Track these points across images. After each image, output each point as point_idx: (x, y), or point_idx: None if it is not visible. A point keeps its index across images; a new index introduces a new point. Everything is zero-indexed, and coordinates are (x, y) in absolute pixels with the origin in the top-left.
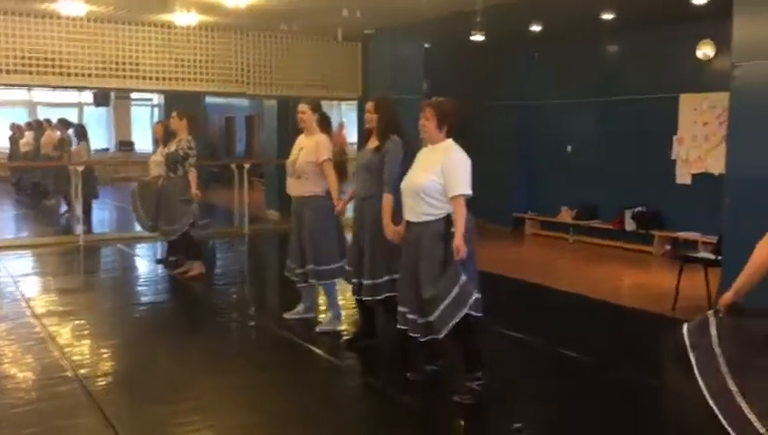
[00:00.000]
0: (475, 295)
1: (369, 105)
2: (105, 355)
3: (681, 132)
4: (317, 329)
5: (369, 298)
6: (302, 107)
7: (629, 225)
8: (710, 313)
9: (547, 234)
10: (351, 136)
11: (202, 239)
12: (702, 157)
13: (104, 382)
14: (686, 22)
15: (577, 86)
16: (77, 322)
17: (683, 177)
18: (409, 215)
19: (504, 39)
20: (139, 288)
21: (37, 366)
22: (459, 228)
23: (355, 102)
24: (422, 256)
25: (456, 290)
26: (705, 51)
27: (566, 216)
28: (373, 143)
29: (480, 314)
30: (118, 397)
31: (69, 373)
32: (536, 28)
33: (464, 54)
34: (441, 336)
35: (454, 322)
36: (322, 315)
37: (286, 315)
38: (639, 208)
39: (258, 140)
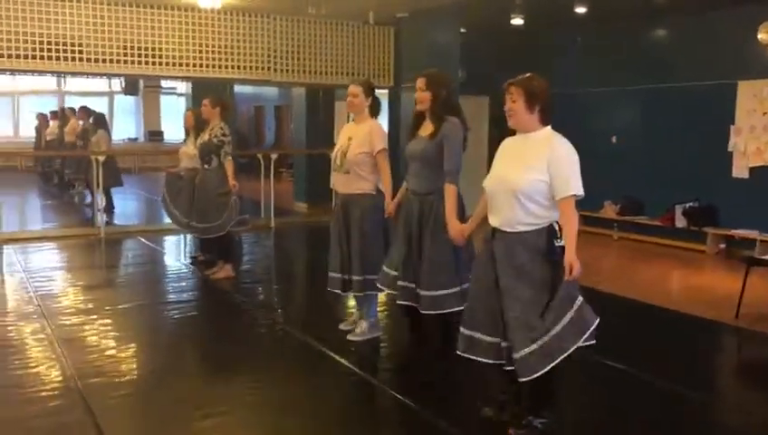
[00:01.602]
0: (596, 320)
1: (420, 82)
2: (115, 363)
3: (739, 122)
4: (350, 338)
5: (431, 312)
6: (354, 89)
7: (680, 221)
8: None
9: (589, 230)
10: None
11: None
12: (761, 149)
13: (110, 396)
14: (744, 2)
15: (623, 72)
16: (88, 324)
17: (740, 170)
18: (497, 220)
19: (545, 22)
20: (160, 286)
21: (35, 374)
22: (572, 239)
23: (386, 91)
24: (516, 274)
25: (569, 316)
26: (767, 33)
27: (610, 211)
28: (427, 129)
29: (593, 342)
30: (122, 416)
31: (71, 384)
32: (580, 10)
33: (502, 40)
34: (533, 377)
35: (564, 355)
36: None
37: (350, 337)
38: (691, 204)
39: (288, 130)
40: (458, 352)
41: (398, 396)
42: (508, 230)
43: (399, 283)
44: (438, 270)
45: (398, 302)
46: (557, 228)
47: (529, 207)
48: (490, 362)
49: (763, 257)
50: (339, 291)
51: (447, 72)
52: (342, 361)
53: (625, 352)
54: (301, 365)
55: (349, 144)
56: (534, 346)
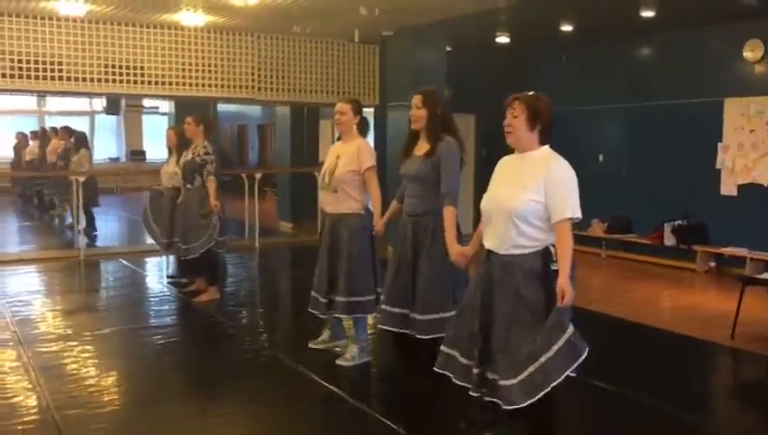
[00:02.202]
0: (586, 351)
1: (416, 99)
2: (95, 393)
3: (726, 140)
4: (339, 362)
5: (424, 337)
6: (343, 107)
7: (669, 239)
8: None
9: (577, 248)
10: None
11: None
12: (749, 166)
13: (89, 429)
14: (731, 20)
15: (610, 90)
16: (67, 351)
17: (728, 188)
18: (491, 242)
19: (531, 41)
20: (142, 310)
21: (11, 405)
22: (566, 264)
23: (372, 109)
24: (514, 298)
25: (558, 344)
26: (753, 51)
27: (598, 229)
28: (422, 148)
29: (574, 374)
30: None
31: (48, 416)
32: (566, 28)
33: (488, 58)
34: (525, 404)
35: (551, 386)
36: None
37: (311, 344)
38: (680, 222)
39: (271, 148)
40: (435, 368)
41: (391, 424)
42: (502, 253)
43: (385, 307)
44: (434, 289)
45: (380, 326)
46: (552, 251)
47: (524, 230)
48: (459, 383)
49: (759, 276)
50: (318, 313)
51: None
52: (332, 387)
53: (616, 373)
54: (289, 392)
55: (337, 162)
56: (519, 378)
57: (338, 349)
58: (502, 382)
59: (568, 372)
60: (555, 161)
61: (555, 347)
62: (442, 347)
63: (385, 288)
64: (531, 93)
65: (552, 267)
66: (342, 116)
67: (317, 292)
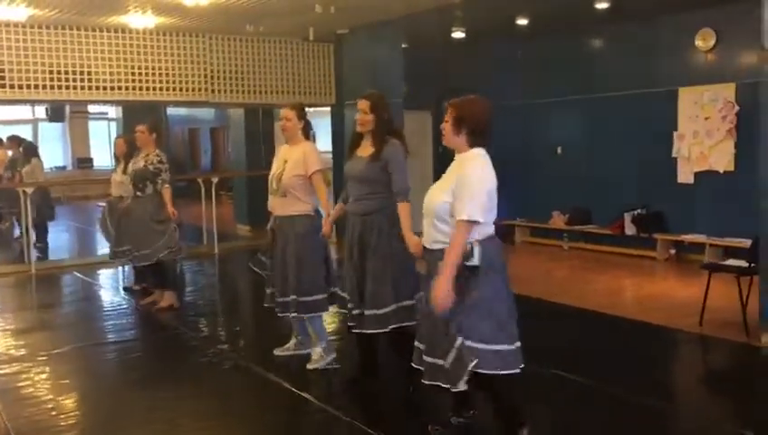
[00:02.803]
0: (474, 361)
1: (364, 104)
2: (55, 416)
3: (681, 128)
4: (308, 366)
5: (374, 331)
6: (287, 113)
7: (629, 228)
8: None
9: (539, 241)
10: (324, 145)
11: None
12: (705, 154)
13: None
14: (682, 10)
15: (566, 83)
16: (23, 372)
17: (685, 175)
18: (424, 237)
19: (487, 36)
20: (99, 325)
21: None
22: (447, 266)
23: (329, 108)
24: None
25: (451, 355)
26: (705, 40)
27: (559, 221)
28: (367, 149)
29: (516, 371)
30: None
31: None
32: (521, 22)
33: (444, 54)
34: (458, 389)
35: (461, 381)
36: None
37: (277, 352)
38: (639, 211)
39: (225, 152)
40: (412, 365)
41: (368, 429)
42: (428, 247)
43: (354, 312)
44: (383, 286)
45: (353, 331)
46: (469, 248)
47: (440, 227)
48: (427, 381)
49: (723, 263)
50: (278, 309)
51: (390, 87)
52: (303, 394)
53: (585, 364)
54: (259, 402)
55: (284, 167)
56: (443, 362)
57: (305, 350)
58: (441, 363)
59: (467, 375)
60: (470, 164)
61: (450, 356)
62: (416, 343)
63: (348, 291)
64: (463, 98)
65: (472, 262)
66: (288, 122)
67: (273, 289)
